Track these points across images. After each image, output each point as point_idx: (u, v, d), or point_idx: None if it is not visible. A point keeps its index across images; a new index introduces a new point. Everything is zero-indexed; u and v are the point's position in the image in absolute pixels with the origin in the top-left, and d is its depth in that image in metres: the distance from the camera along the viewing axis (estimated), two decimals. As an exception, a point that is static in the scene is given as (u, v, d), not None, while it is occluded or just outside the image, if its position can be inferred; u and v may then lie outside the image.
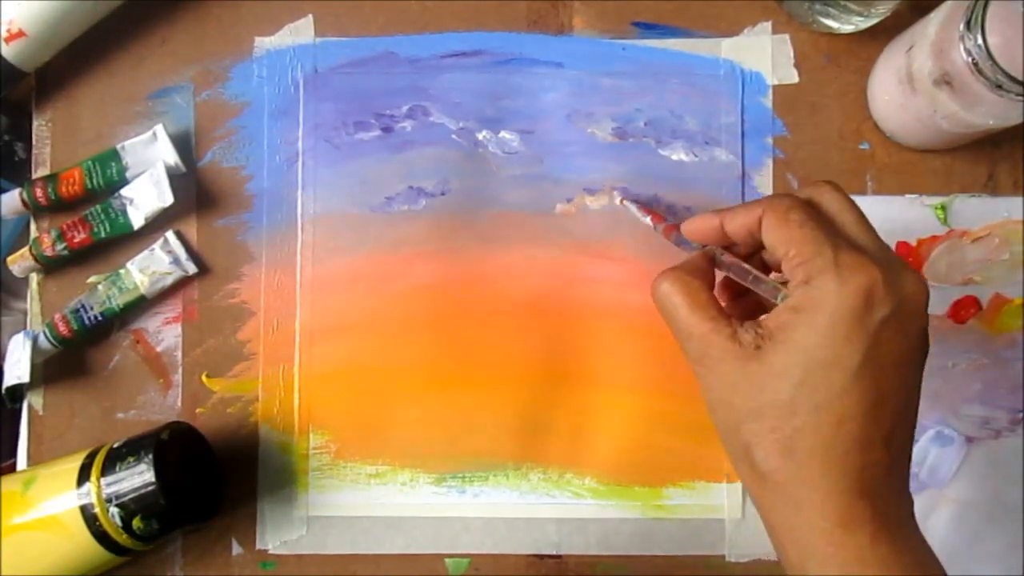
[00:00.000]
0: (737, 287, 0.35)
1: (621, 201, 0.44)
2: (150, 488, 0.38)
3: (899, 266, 0.28)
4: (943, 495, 0.44)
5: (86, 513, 0.38)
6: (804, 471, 0.27)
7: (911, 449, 0.29)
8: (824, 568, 0.27)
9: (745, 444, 0.28)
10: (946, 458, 0.44)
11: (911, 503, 0.29)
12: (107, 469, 0.39)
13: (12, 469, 0.46)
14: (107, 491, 0.38)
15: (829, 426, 0.27)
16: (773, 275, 0.32)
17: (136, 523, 0.38)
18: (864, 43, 0.45)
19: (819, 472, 0.27)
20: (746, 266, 0.32)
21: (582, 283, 0.45)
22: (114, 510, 0.38)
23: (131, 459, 0.38)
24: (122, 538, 0.38)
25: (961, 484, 0.44)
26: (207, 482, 0.43)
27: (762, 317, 0.30)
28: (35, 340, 0.43)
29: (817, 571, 0.27)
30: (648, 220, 0.41)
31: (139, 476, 0.38)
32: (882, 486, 0.27)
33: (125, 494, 0.38)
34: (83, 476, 0.39)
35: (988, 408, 0.44)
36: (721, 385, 0.29)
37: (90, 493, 0.38)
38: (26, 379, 0.43)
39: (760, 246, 0.32)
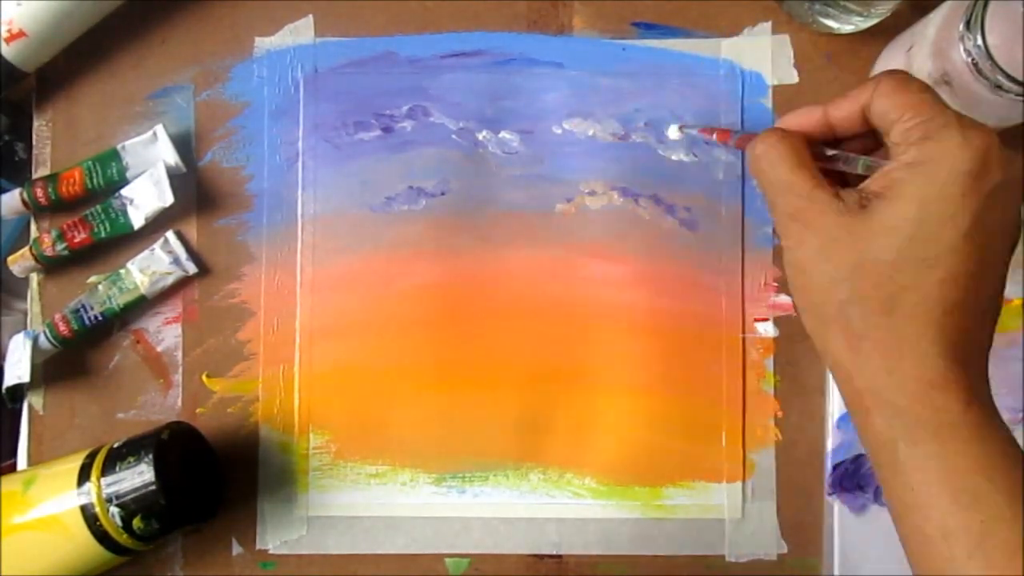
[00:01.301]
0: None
1: (681, 128, 0.44)
2: (150, 488, 0.38)
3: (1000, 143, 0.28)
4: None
5: (86, 513, 0.38)
6: (905, 329, 0.27)
7: (995, 322, 0.29)
8: (914, 431, 0.26)
9: (841, 302, 0.28)
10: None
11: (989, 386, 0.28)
12: (107, 469, 0.39)
13: (12, 469, 0.46)
14: (107, 491, 0.38)
15: (934, 285, 0.26)
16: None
17: (136, 523, 0.38)
18: (864, 43, 0.45)
19: (920, 331, 0.26)
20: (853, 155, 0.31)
21: (582, 283, 0.45)
22: (114, 510, 0.38)
23: (131, 459, 0.38)
24: (122, 538, 0.38)
25: (961, 484, 0.44)
26: (207, 482, 0.43)
27: (863, 184, 0.29)
28: (35, 340, 0.43)
29: (904, 435, 0.27)
30: (714, 138, 0.41)
31: (139, 476, 0.38)
32: (976, 356, 0.27)
33: (125, 494, 0.38)
34: (83, 476, 0.39)
35: (988, 408, 0.44)
36: (819, 241, 0.28)
37: (90, 493, 0.38)
38: (26, 379, 0.43)
39: (861, 137, 0.31)
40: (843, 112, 0.31)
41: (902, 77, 0.29)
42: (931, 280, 0.26)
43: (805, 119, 0.32)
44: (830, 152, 0.31)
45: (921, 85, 0.28)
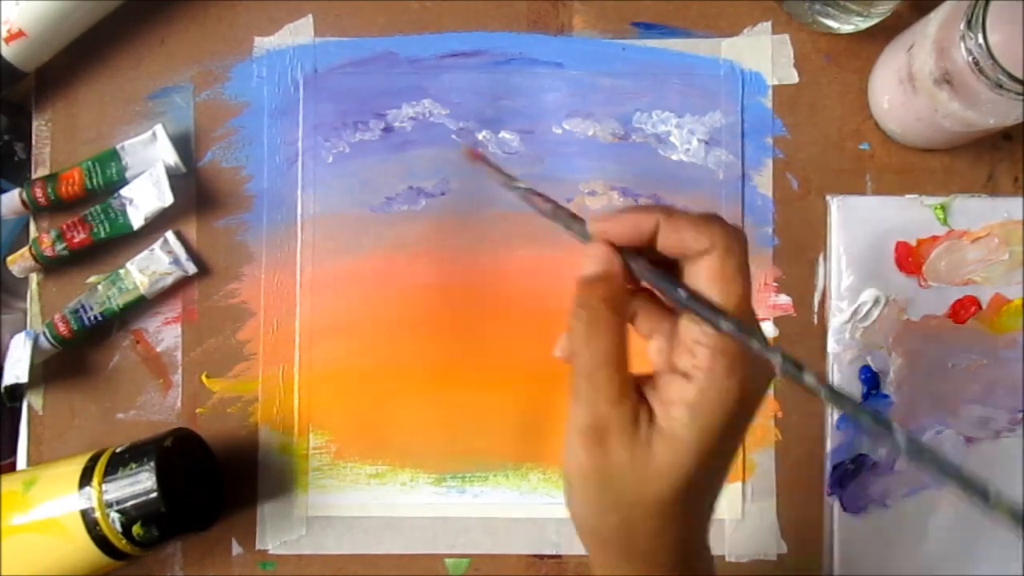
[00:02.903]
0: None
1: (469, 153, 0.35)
2: (152, 496, 0.38)
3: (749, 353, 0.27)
4: (942, 496, 0.44)
5: (87, 517, 0.38)
6: (661, 555, 0.28)
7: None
8: None
9: (617, 524, 0.28)
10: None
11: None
12: (109, 474, 0.39)
13: (12, 467, 0.46)
14: (108, 496, 0.38)
15: (690, 518, 0.28)
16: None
17: (136, 529, 0.38)
18: (864, 43, 0.45)
19: (672, 553, 0.28)
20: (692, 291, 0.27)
21: (582, 283, 0.45)
22: (115, 516, 0.38)
23: (133, 465, 0.38)
24: (121, 543, 0.38)
25: (961, 484, 0.44)
26: (208, 490, 0.43)
27: (659, 385, 0.28)
28: (36, 340, 0.43)
29: None
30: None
31: (141, 483, 0.38)
32: (701, 537, 0.30)
33: (126, 500, 0.38)
34: (85, 480, 0.39)
35: (988, 408, 0.44)
36: (606, 469, 0.27)
37: (91, 497, 0.38)
38: (24, 379, 0.42)
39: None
40: (663, 239, 0.27)
41: (733, 265, 0.26)
42: (691, 512, 0.28)
43: (632, 225, 0.28)
44: (652, 279, 0.28)
45: (742, 287, 0.27)
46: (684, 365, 0.27)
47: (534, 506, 0.45)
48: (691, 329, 0.27)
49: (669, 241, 0.27)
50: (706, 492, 0.28)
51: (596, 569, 0.30)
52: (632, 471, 0.27)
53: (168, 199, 0.43)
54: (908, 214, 0.45)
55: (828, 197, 0.45)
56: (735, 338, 0.26)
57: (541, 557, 0.45)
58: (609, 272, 0.28)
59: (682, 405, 0.26)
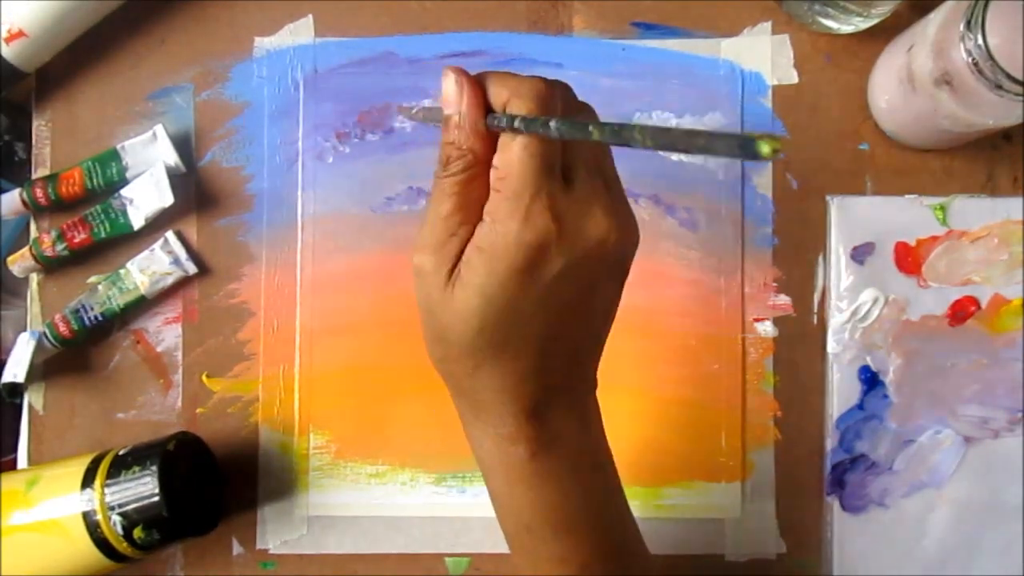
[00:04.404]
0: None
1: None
2: (154, 499, 0.38)
3: (591, 210, 0.28)
4: (942, 495, 0.44)
5: (88, 519, 0.38)
6: (483, 394, 0.30)
7: (593, 363, 0.32)
8: (492, 477, 0.32)
9: (441, 358, 0.30)
10: (944, 458, 0.44)
11: (587, 412, 0.32)
12: (111, 476, 0.39)
13: (12, 465, 0.46)
14: (110, 499, 0.38)
15: (507, 361, 0.29)
16: None
17: (137, 533, 0.38)
18: (864, 43, 0.45)
19: (496, 396, 0.29)
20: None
21: (582, 283, 0.45)
22: (116, 518, 0.38)
23: (136, 468, 0.38)
24: (122, 546, 0.38)
25: (959, 484, 0.44)
26: (209, 494, 0.43)
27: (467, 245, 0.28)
28: (39, 341, 0.43)
29: (489, 480, 0.32)
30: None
31: (143, 487, 0.38)
32: (557, 405, 0.30)
33: (128, 503, 0.38)
34: (87, 481, 0.39)
35: (987, 408, 0.44)
36: (427, 299, 0.29)
37: (93, 500, 0.38)
38: (22, 379, 0.42)
39: None
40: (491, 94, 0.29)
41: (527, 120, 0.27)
42: (504, 357, 0.29)
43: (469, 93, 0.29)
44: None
45: (529, 143, 0.27)
46: (486, 209, 0.28)
47: (534, 506, 0.45)
48: (494, 173, 0.28)
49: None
50: (518, 341, 0.28)
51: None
52: (441, 310, 0.28)
53: (168, 199, 0.43)
54: (908, 214, 0.45)
55: (828, 197, 0.45)
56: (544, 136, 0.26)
57: (541, 557, 0.45)
58: (459, 111, 0.29)
59: (473, 247, 0.27)
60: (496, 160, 0.27)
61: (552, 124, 0.25)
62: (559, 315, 0.28)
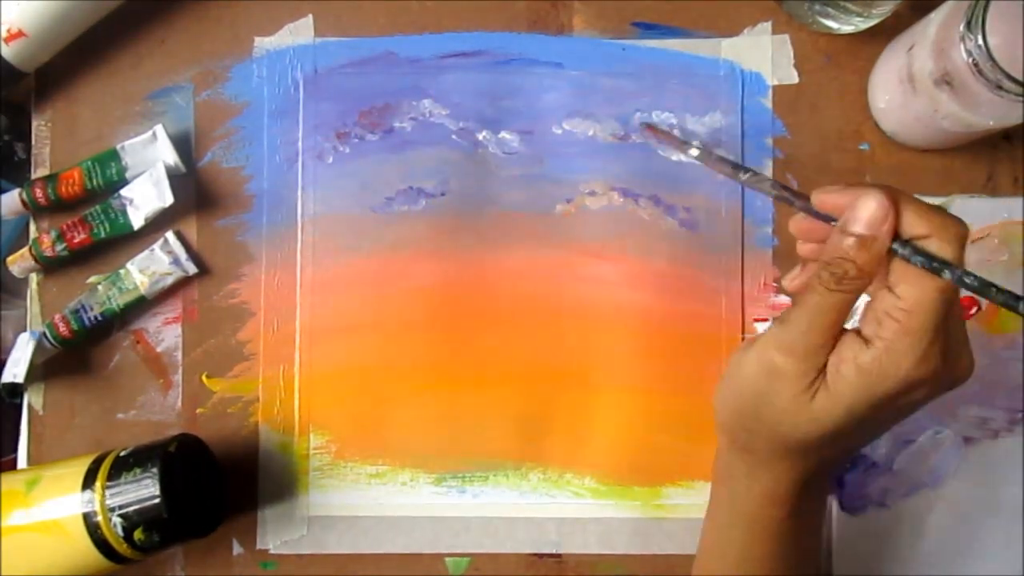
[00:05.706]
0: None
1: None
2: (154, 501, 0.38)
3: (963, 350, 0.29)
4: (941, 495, 0.44)
5: (88, 520, 0.38)
6: (771, 460, 0.32)
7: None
8: (734, 526, 0.34)
9: (750, 430, 0.31)
10: (944, 458, 0.44)
11: (827, 484, 0.36)
12: (112, 478, 0.38)
13: (12, 465, 0.46)
14: (111, 500, 0.38)
15: (816, 451, 0.31)
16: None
17: (138, 534, 0.38)
18: (864, 43, 0.45)
19: (780, 464, 0.32)
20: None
21: (582, 283, 0.45)
22: (117, 520, 0.38)
23: (137, 470, 0.38)
24: (122, 548, 0.38)
25: (959, 484, 0.44)
26: (210, 496, 0.43)
27: (837, 344, 0.29)
28: (39, 341, 0.43)
29: (729, 528, 0.34)
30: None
31: (144, 488, 0.38)
32: (815, 480, 0.32)
33: (129, 505, 0.38)
34: (88, 482, 0.39)
35: (986, 408, 0.44)
36: (768, 397, 0.30)
37: (93, 501, 0.38)
38: (21, 379, 0.42)
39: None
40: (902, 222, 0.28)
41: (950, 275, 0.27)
42: (817, 449, 0.31)
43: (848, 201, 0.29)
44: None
45: (948, 294, 0.27)
46: (868, 331, 0.28)
47: (534, 506, 0.45)
48: (885, 299, 0.28)
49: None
50: (843, 441, 0.30)
51: (720, 453, 0.34)
52: (790, 408, 0.29)
53: (168, 199, 0.43)
54: (908, 214, 0.45)
55: (828, 197, 0.45)
56: (962, 286, 0.27)
57: (541, 556, 0.45)
58: (877, 237, 0.28)
59: (852, 364, 0.28)
60: (903, 291, 0.27)
61: (967, 280, 0.26)
62: (885, 425, 0.31)
